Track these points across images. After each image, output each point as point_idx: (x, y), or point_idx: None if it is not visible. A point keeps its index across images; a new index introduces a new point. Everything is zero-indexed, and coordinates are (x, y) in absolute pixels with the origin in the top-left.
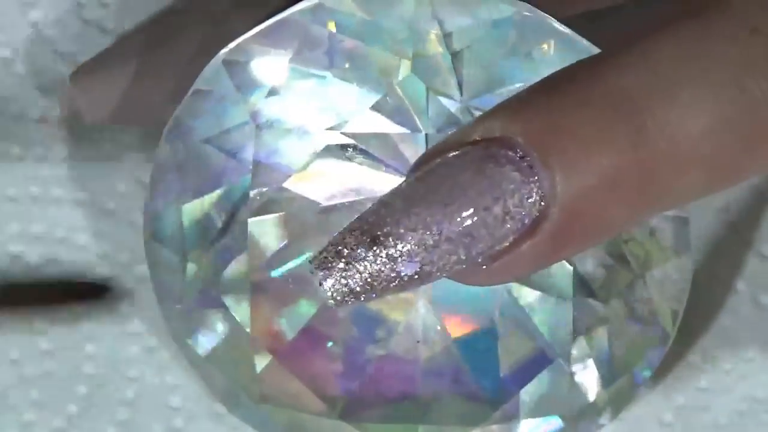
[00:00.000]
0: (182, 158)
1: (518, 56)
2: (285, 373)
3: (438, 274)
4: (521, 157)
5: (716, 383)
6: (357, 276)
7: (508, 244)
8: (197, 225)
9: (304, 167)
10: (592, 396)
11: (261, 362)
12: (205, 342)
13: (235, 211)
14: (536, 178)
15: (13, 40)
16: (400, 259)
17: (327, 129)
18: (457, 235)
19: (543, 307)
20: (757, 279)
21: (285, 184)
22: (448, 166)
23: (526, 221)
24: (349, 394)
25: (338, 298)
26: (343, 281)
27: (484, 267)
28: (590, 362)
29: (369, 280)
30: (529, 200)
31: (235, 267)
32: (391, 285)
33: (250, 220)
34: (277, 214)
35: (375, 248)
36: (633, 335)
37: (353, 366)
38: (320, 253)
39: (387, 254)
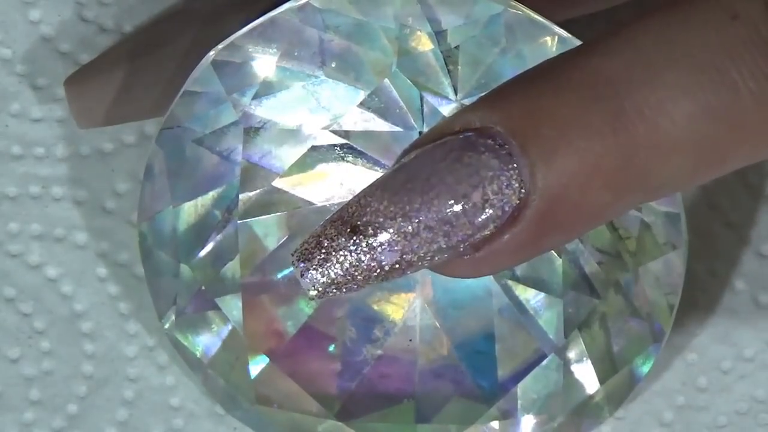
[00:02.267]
0: (174, 160)
1: (511, 55)
2: (282, 375)
3: (419, 263)
4: (500, 146)
5: (716, 383)
6: (337, 266)
7: (489, 233)
8: (191, 227)
9: (297, 167)
10: (590, 391)
11: (257, 364)
12: (201, 344)
13: (228, 212)
14: (515, 165)
15: (13, 40)
16: (380, 248)
17: (319, 129)
18: (437, 222)
19: (540, 304)
20: (757, 278)
21: (277, 185)
22: (428, 155)
23: (507, 209)
24: (347, 394)
25: (320, 289)
26: (324, 272)
27: (467, 257)
28: (588, 358)
29: (350, 270)
30: (509, 188)
31: (230, 268)
32: (373, 275)
33: (242, 222)
34: (270, 215)
35: (355, 238)
36: (630, 330)
37: (350, 366)
38: (301, 245)
39: (367, 243)
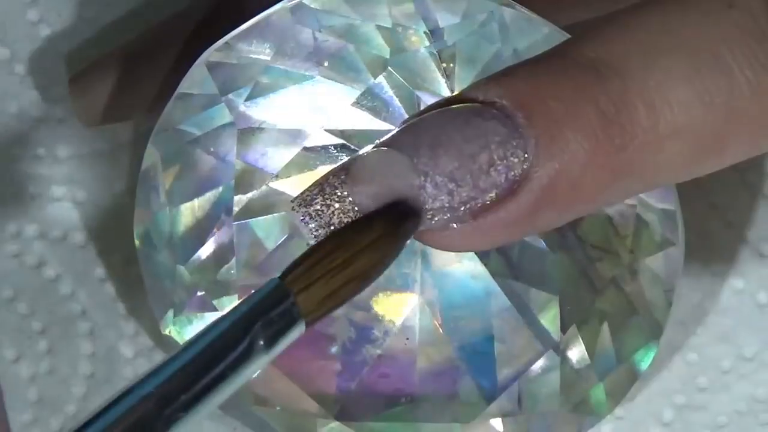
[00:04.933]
0: (170, 162)
1: (507, 53)
2: (281, 376)
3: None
4: (507, 116)
5: (716, 382)
6: (340, 215)
7: (489, 201)
8: (189, 229)
9: (292, 168)
10: (590, 388)
11: None
12: None
13: (225, 213)
14: (521, 136)
15: (13, 40)
16: (384, 198)
17: (314, 128)
18: (442, 179)
19: (538, 302)
20: (757, 278)
21: (274, 186)
22: (434, 118)
23: (510, 176)
24: (346, 394)
25: (320, 234)
26: (326, 217)
27: (463, 225)
28: (586, 354)
29: (352, 217)
30: (514, 156)
31: (227, 270)
32: None
33: (239, 223)
34: (267, 216)
35: (360, 186)
36: (628, 326)
37: (350, 366)
38: (303, 192)
39: (372, 192)
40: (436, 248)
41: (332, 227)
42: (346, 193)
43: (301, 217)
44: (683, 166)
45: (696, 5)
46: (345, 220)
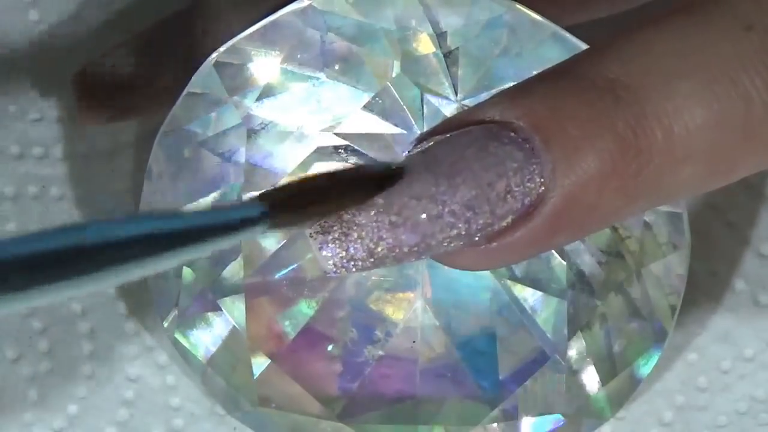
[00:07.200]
0: (176, 162)
1: (511, 55)
2: (283, 376)
3: (436, 248)
4: (523, 140)
5: (716, 383)
6: (357, 242)
7: (505, 225)
8: None
9: (298, 169)
10: (591, 392)
11: (258, 365)
12: (203, 346)
13: None
14: (538, 160)
15: (13, 40)
16: (402, 228)
17: (321, 130)
18: (460, 207)
19: (541, 305)
20: (756, 278)
21: None
22: (453, 141)
23: (527, 202)
24: (348, 394)
25: (337, 263)
26: (344, 246)
27: (479, 248)
28: (589, 359)
29: (369, 246)
30: (531, 182)
31: (232, 270)
32: (391, 254)
33: None
34: None
35: (378, 215)
36: (631, 331)
37: (352, 367)
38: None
39: (390, 222)
40: (450, 267)
41: (352, 259)
42: (369, 218)
43: (319, 246)
44: (696, 185)
45: (713, 26)
46: (365, 247)
